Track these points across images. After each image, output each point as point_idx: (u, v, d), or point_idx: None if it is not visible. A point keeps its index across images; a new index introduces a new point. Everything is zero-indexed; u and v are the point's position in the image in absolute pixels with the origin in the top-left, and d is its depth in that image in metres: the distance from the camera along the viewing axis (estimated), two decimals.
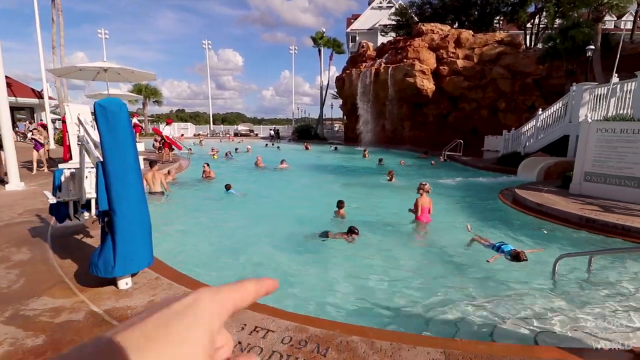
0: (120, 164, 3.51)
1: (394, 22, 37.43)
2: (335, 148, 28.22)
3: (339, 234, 6.61)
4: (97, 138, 3.90)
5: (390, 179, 12.76)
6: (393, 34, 36.73)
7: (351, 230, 6.48)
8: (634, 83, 11.64)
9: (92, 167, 4.33)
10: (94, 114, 3.52)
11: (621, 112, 11.97)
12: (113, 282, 3.95)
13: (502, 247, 5.68)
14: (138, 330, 0.30)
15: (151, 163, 10.73)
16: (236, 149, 23.79)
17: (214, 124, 49.75)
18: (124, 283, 3.95)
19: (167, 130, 17.03)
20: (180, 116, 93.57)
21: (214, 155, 19.90)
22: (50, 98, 26.78)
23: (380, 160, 18.43)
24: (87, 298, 3.74)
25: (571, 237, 6.79)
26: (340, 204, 8.24)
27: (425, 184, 7.83)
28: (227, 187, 10.61)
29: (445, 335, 3.65)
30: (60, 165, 5.48)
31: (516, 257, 5.34)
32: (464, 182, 13.02)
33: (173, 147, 16.95)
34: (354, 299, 4.51)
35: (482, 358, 2.80)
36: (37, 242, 5.36)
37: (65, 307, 3.57)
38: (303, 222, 7.97)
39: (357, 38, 49.16)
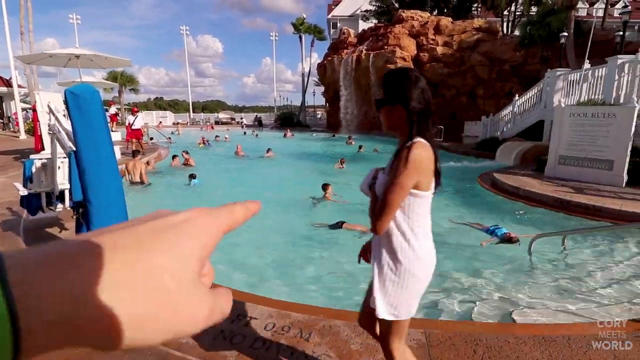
0: (94, 153, 3.41)
1: (375, 8, 37.27)
2: (334, 135, 27.84)
3: (358, 225, 6.21)
4: (69, 127, 3.77)
5: (341, 166, 12.95)
6: (374, 20, 36.60)
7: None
8: (604, 69, 11.97)
9: (65, 157, 4.19)
10: (65, 101, 3.39)
11: (593, 97, 12.33)
12: None
13: (496, 230, 5.81)
14: (130, 233, 0.29)
15: (134, 152, 10.60)
16: (216, 137, 23.51)
17: (193, 112, 48.87)
18: None
19: (137, 122, 14.72)
20: (159, 104, 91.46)
21: (201, 144, 19.68)
22: (19, 86, 25.60)
23: (360, 146, 18.43)
24: None
25: (547, 218, 7.03)
26: (325, 187, 8.24)
27: None
28: (192, 177, 10.03)
29: (426, 317, 3.74)
30: (32, 156, 5.28)
31: (509, 241, 5.49)
32: (444, 167, 13.10)
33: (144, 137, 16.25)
34: (338, 284, 4.56)
35: (461, 336, 2.88)
36: (9, 236, 5.18)
37: None
38: (287, 209, 7.97)
39: (338, 24, 48.74)
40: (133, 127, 14.35)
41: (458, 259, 5.31)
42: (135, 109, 16.76)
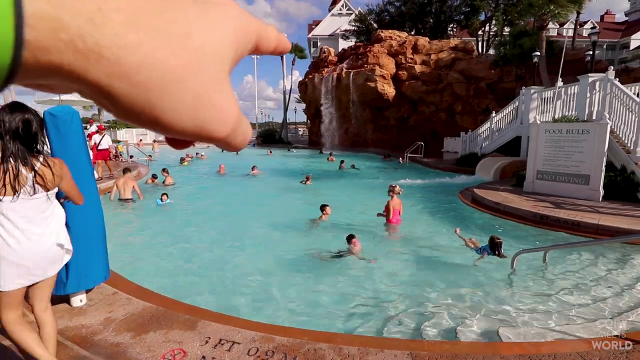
0: (73, 174, 3.31)
1: (354, 28, 38.16)
2: (320, 152, 27.59)
3: (351, 250, 6.06)
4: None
5: (306, 182, 13.07)
6: (354, 39, 37.43)
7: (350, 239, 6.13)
8: (576, 87, 12.48)
9: None
10: (44, 122, 3.30)
11: (567, 113, 12.80)
12: (66, 299, 3.71)
13: (485, 246, 5.84)
14: None
15: (124, 170, 10.41)
16: (197, 154, 23.31)
17: None
18: (78, 300, 3.72)
19: (104, 141, 12.81)
20: None
21: (185, 161, 19.41)
22: None
23: (342, 162, 18.47)
24: None
25: (527, 234, 7.17)
26: (323, 208, 8.08)
27: (396, 186, 7.89)
28: (163, 199, 9.67)
29: (412, 337, 3.72)
30: None
31: (498, 254, 5.54)
32: (425, 184, 13.41)
33: (113, 157, 15.43)
34: (324, 306, 4.50)
35: (447, 357, 2.87)
36: None
37: None
38: (274, 227, 7.90)
39: (319, 43, 49.66)
40: (99, 148, 12.62)
41: (443, 276, 5.33)
42: (102, 127, 15.04)
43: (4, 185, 2.20)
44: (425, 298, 4.56)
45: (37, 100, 21.00)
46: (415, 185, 13.09)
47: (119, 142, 28.74)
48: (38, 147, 2.37)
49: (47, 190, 2.40)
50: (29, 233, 2.33)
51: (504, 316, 4.05)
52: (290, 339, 3.13)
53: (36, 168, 2.32)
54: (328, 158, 22.10)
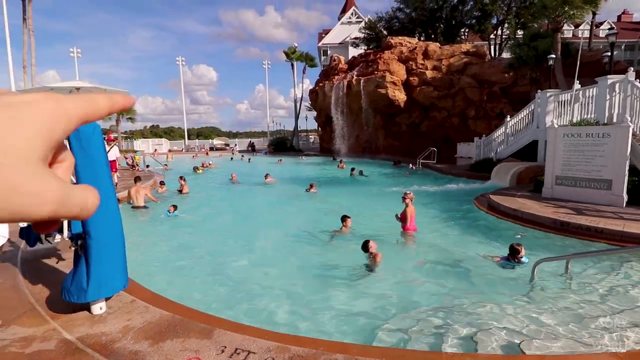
0: (94, 186, 3.38)
1: (364, 35, 38.29)
2: (334, 159, 26.95)
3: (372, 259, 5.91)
4: None
5: (310, 189, 13.05)
6: (364, 47, 37.53)
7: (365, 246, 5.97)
8: (595, 89, 12.24)
9: None
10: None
11: (586, 116, 12.54)
12: (86, 307, 3.75)
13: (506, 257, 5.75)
14: None
15: (136, 179, 10.81)
16: (209, 163, 23.61)
17: (189, 138, 49.10)
18: (98, 308, 3.76)
19: (112, 153, 12.01)
20: (155, 132, 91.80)
21: (199, 170, 19.72)
22: None
23: (352, 169, 18.28)
24: (60, 325, 3.54)
25: (547, 241, 6.93)
26: (344, 219, 7.83)
27: (409, 193, 7.77)
28: (172, 209, 9.55)
29: (431, 349, 3.63)
30: None
31: (512, 250, 5.45)
32: (439, 190, 13.25)
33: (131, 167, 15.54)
34: (339, 315, 4.44)
35: None
36: (7, 268, 5.06)
37: (37, 335, 3.37)
38: (286, 235, 7.90)
39: (329, 52, 49.95)
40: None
41: (459, 285, 5.22)
42: (111, 138, 14.84)
43: None
44: (443, 308, 4.45)
45: None
46: (429, 191, 12.95)
47: (136, 152, 29.28)
48: None
49: None
50: None
51: (524, 328, 3.90)
52: (306, 349, 3.10)
53: None
54: (338, 165, 22.06)
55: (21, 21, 24.36)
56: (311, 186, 13.19)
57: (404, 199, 7.72)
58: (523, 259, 5.62)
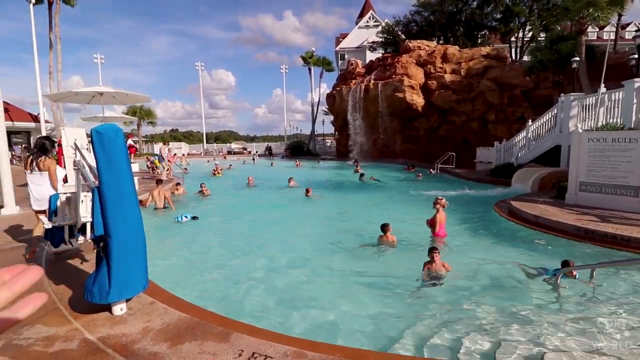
0: (116, 189, 3.46)
1: (381, 39, 38.15)
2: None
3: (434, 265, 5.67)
4: (93, 162, 3.86)
5: (307, 194, 12.98)
6: (381, 51, 37.40)
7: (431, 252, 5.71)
8: (621, 93, 11.88)
9: (88, 191, 4.26)
10: (90, 139, 3.50)
11: (611, 121, 12.17)
12: (108, 308, 3.83)
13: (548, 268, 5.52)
14: None
15: (157, 181, 11.53)
16: (230, 166, 23.96)
17: (207, 142, 49.83)
18: (119, 309, 3.83)
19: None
20: (174, 136, 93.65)
21: (217, 173, 20.08)
22: (46, 121, 26.86)
23: (361, 175, 18.02)
24: (81, 325, 3.62)
25: (570, 249, 6.68)
26: (385, 228, 7.23)
27: (442, 199, 7.55)
28: (195, 218, 9.59)
29: (451, 359, 3.55)
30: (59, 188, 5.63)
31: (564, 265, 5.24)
32: (458, 195, 13.03)
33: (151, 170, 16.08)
34: (361, 321, 4.40)
35: None
36: None
37: (59, 335, 3.45)
38: (309, 239, 7.90)
39: (346, 56, 49.96)
40: None
41: (482, 295, 5.08)
42: (134, 150, 15.35)
43: (27, 165, 5.96)
44: (465, 317, 4.34)
45: (83, 118, 22.26)
46: (448, 197, 12.71)
47: (156, 155, 29.86)
48: (48, 154, 5.98)
49: (41, 171, 5.89)
50: (33, 187, 5.97)
51: (547, 339, 3.76)
52: (323, 355, 3.08)
53: (38, 161, 5.87)
54: (355, 170, 21.93)
55: (47, 29, 25.32)
56: (307, 191, 13.05)
57: (435, 204, 7.55)
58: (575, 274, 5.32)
